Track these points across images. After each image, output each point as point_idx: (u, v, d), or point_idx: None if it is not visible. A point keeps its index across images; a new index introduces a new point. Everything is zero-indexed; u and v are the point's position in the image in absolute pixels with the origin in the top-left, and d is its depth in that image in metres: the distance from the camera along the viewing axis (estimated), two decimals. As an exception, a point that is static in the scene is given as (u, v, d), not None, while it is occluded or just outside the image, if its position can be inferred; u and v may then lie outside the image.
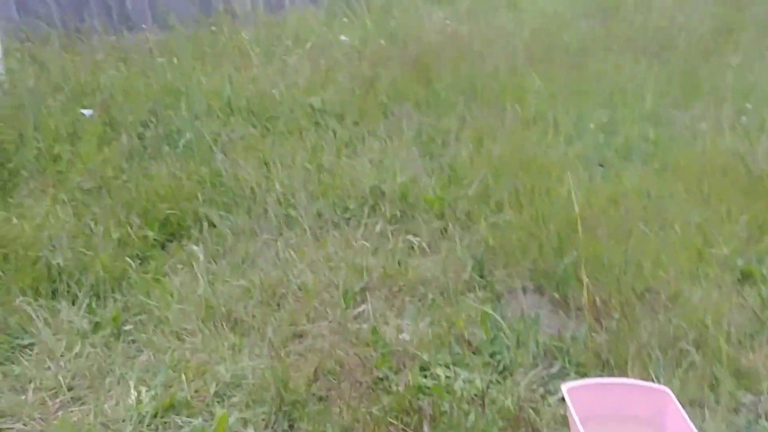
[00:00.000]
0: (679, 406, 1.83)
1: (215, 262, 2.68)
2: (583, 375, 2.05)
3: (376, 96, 4.24)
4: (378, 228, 2.80)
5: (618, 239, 2.56)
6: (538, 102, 4.13)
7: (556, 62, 4.83)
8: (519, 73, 4.57)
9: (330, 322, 2.29)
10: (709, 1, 6.54)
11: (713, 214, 2.84)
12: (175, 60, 4.67)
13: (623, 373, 2.03)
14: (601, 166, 3.38)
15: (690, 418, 1.77)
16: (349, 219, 2.93)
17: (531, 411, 1.94)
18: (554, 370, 2.09)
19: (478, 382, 2.02)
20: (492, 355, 2.13)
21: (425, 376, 2.05)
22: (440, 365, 2.09)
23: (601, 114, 3.96)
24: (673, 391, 1.90)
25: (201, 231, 2.84)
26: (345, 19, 6.31)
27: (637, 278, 2.41)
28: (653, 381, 1.99)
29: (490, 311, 2.30)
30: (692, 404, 1.94)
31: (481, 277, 2.54)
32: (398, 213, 2.93)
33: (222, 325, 2.30)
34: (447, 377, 2.05)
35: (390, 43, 5.33)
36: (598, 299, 2.28)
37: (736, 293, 2.40)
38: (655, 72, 4.59)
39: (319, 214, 2.94)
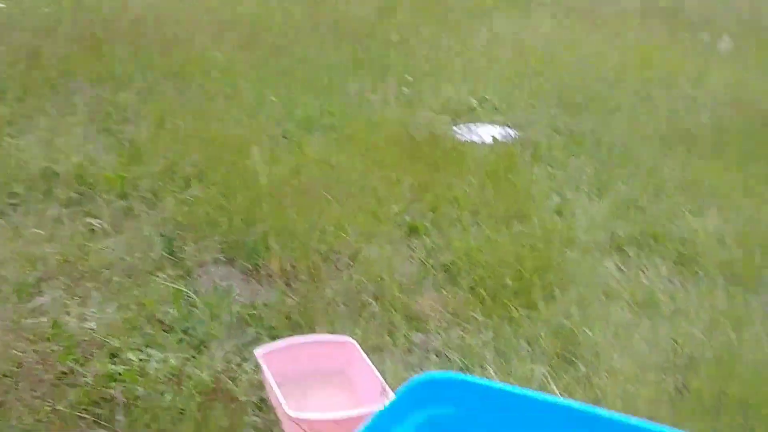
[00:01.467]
0: (363, 354, 2.02)
1: None
2: (276, 338, 2.14)
3: (42, 70, 3.87)
4: (52, 213, 2.59)
5: (303, 207, 2.70)
6: (223, 77, 4.12)
7: (258, 44, 4.82)
8: (206, 49, 4.51)
9: (1, 320, 2.08)
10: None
11: (384, 178, 3.13)
12: None
13: (312, 332, 2.16)
14: (284, 137, 3.51)
15: (373, 363, 1.96)
16: (16, 205, 2.65)
17: (228, 381, 1.97)
18: (249, 338, 2.15)
19: (172, 361, 1.99)
20: (185, 332, 2.12)
21: (115, 363, 1.97)
22: (132, 349, 2.02)
23: (279, 86, 4.08)
24: (357, 340, 2.08)
25: None
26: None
27: (322, 242, 2.57)
28: (340, 334, 2.16)
29: (182, 288, 2.28)
30: (374, 350, 2.14)
31: (171, 254, 2.49)
32: (75, 195, 2.73)
33: None
34: (140, 360, 1.99)
35: (57, 12, 4.88)
36: (288, 265, 2.39)
37: (406, 247, 2.69)
38: (328, 47, 4.86)
39: (-20, 203, 2.63)
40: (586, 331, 2.16)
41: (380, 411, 1.29)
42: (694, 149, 3.71)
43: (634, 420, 1.25)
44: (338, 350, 2.09)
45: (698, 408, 1.85)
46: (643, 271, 2.58)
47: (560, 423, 1.28)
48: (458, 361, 2.08)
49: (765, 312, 2.30)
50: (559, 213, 2.97)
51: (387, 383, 1.89)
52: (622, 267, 2.62)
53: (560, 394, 1.91)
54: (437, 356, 2.14)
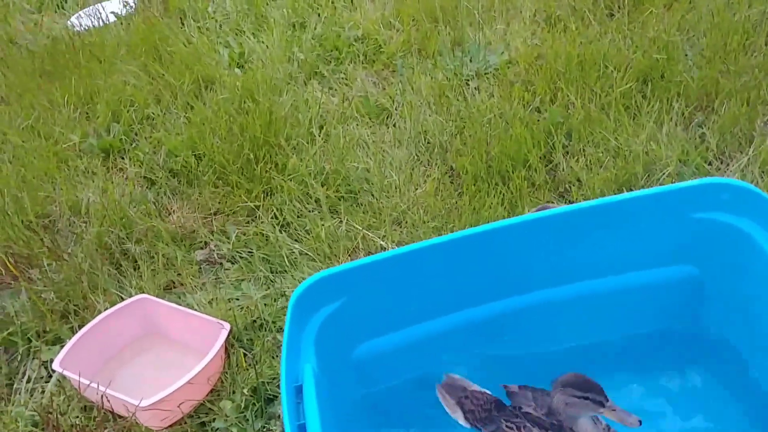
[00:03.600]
0: (159, 301, 1.81)
1: None
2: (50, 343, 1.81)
3: None
4: None
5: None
6: None
7: None
8: None
9: None
10: None
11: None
12: None
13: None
14: None
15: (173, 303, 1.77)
16: None
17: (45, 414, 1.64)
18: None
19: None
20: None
21: None
22: None
23: None
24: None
25: None
26: None
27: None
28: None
29: None
30: (166, 291, 1.93)
31: None
32: None
33: None
34: None
35: None
36: None
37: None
38: None
39: None
40: (351, 162, 2.18)
41: (287, 333, 1.18)
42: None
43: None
44: (131, 313, 1.84)
45: (469, 179, 2.04)
46: (346, 84, 2.61)
47: (453, 254, 1.30)
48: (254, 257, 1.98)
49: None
50: (238, 65, 2.81)
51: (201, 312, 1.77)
52: (323, 85, 2.63)
53: (362, 230, 1.94)
54: (231, 262, 2.01)
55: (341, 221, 2.00)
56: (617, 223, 1.29)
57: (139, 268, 1.99)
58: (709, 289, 1.35)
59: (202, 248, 2.08)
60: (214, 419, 1.61)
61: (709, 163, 2.01)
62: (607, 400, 1.20)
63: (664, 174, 1.96)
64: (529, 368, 1.39)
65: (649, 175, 1.99)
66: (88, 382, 1.58)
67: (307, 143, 2.31)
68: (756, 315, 1.26)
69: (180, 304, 1.84)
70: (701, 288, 1.35)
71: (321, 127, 2.38)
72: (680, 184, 1.31)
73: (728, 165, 2.01)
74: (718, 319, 1.35)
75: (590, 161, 2.05)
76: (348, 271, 1.25)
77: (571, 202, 1.91)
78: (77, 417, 1.61)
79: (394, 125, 2.36)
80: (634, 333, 1.39)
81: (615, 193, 1.91)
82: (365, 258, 1.27)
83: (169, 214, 2.19)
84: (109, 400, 1.60)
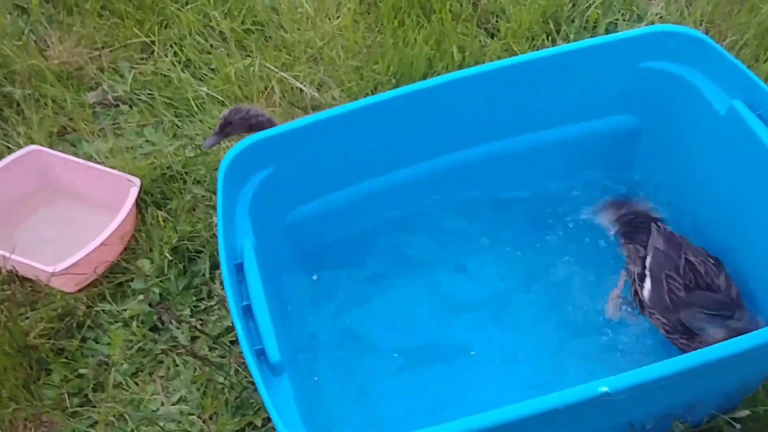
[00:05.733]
0: (54, 153, 1.64)
1: None
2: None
3: None
4: None
5: None
6: None
7: None
8: None
9: None
10: None
11: None
12: None
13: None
14: None
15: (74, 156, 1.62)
16: None
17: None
18: None
19: None
20: None
21: None
22: None
23: None
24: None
25: None
26: None
27: None
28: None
29: None
30: (60, 140, 1.74)
31: None
32: None
33: None
34: None
35: None
36: None
37: None
38: None
39: None
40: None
41: (220, 207, 1.08)
42: None
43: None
44: (23, 167, 1.65)
45: (388, 10, 1.88)
46: None
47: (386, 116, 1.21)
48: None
49: None
50: None
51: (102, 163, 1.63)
52: None
53: (277, 70, 1.78)
54: (129, 105, 1.82)
55: (252, 59, 1.82)
56: (563, 74, 1.23)
57: (23, 113, 1.77)
58: (645, 140, 1.33)
59: (93, 89, 1.87)
60: (132, 279, 1.52)
61: (636, -8, 1.94)
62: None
63: (590, 4, 1.88)
64: (467, 220, 1.37)
65: (574, 5, 1.90)
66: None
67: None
68: (691, 165, 1.26)
69: (77, 154, 1.68)
70: (638, 138, 1.34)
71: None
72: (628, 33, 1.24)
73: (654, -3, 1.95)
74: (651, 169, 1.35)
75: (516, -9, 1.93)
76: (279, 136, 1.14)
77: (502, 42, 1.81)
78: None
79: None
80: (571, 183, 1.38)
81: (543, 27, 1.83)
82: (297, 120, 1.16)
83: (49, 47, 1.93)
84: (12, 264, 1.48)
